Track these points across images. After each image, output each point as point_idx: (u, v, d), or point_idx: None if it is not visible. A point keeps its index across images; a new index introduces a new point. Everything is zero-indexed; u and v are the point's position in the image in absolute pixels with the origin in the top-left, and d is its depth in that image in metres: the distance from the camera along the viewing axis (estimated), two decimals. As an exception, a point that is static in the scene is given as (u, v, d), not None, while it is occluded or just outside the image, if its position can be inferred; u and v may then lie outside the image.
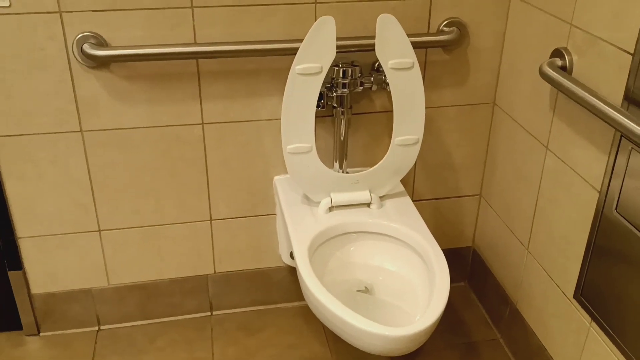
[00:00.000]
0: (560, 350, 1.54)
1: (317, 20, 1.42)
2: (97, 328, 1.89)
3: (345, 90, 1.59)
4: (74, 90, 1.55)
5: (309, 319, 1.91)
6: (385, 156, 1.60)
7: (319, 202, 1.63)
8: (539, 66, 1.40)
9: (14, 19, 1.44)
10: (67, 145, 1.61)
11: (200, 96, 1.62)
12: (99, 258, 1.79)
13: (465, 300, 2.02)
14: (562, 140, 1.45)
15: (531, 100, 1.58)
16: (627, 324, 1.25)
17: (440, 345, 1.84)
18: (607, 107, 1.18)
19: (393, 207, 1.65)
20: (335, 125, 1.66)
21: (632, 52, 1.18)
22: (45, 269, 1.77)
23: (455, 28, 1.63)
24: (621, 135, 1.21)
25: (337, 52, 1.46)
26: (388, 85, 1.53)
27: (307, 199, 1.66)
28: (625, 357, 1.27)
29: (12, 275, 1.75)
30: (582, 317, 1.42)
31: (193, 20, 1.52)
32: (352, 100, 1.65)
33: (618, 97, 1.22)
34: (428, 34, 1.64)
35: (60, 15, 1.46)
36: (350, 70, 1.57)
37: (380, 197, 1.66)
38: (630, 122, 1.11)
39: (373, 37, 1.46)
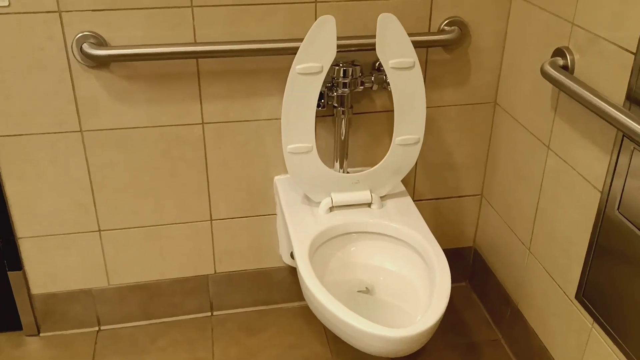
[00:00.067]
0: (562, 351, 1.53)
1: (317, 20, 1.41)
2: (97, 328, 1.88)
3: (346, 89, 1.58)
4: (74, 90, 1.54)
5: (310, 319, 1.91)
6: (386, 156, 1.59)
7: (319, 202, 1.62)
8: (541, 65, 1.39)
9: (13, 19, 1.44)
10: (67, 145, 1.61)
11: (200, 96, 1.61)
12: (99, 258, 1.78)
13: (466, 301, 2.02)
14: (564, 140, 1.45)
15: (532, 100, 1.57)
16: (629, 326, 1.24)
17: (441, 345, 1.84)
18: (609, 107, 1.17)
19: (394, 207, 1.64)
20: (335, 125, 1.66)
21: (634, 51, 1.17)
22: (45, 269, 1.77)
23: (456, 27, 1.63)
24: (623, 135, 1.21)
25: (337, 52, 1.45)
26: (389, 84, 1.52)
27: (307, 199, 1.66)
28: (628, 359, 1.26)
29: (12, 275, 1.75)
30: (584, 318, 1.41)
31: (193, 19, 1.52)
32: (352, 100, 1.65)
33: (620, 97, 1.21)
34: (429, 33, 1.63)
35: (60, 15, 1.46)
36: (350, 69, 1.57)
37: (381, 197, 1.65)
38: (632, 122, 1.10)
39: (374, 37, 1.45)
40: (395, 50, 1.47)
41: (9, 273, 1.75)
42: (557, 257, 1.52)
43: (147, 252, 1.80)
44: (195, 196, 1.74)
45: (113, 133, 1.61)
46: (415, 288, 1.50)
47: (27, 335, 1.85)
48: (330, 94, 1.60)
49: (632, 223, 1.20)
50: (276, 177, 1.76)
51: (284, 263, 1.88)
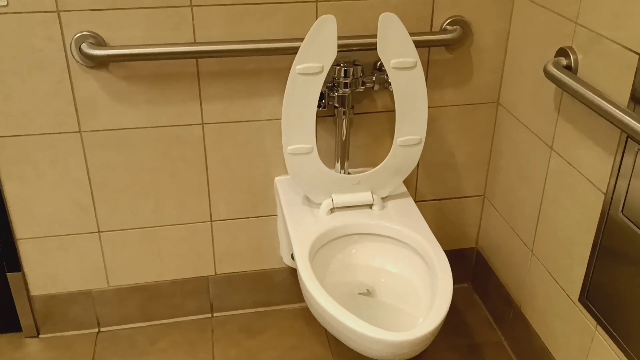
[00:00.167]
0: (565, 354, 1.52)
1: (318, 19, 1.40)
2: (97, 330, 1.88)
3: (347, 89, 1.57)
4: (73, 91, 1.53)
5: (311, 321, 1.90)
6: (387, 157, 1.58)
7: (320, 204, 1.61)
8: (544, 65, 1.37)
9: (12, 19, 1.43)
10: (66, 146, 1.60)
11: (200, 96, 1.60)
12: (98, 259, 1.77)
13: (468, 302, 2.01)
14: (567, 140, 1.43)
15: (535, 100, 1.56)
16: (633, 330, 1.23)
17: (443, 346, 1.83)
18: (613, 108, 1.16)
19: (395, 209, 1.63)
20: (336, 126, 1.64)
21: (638, 51, 1.16)
22: (45, 271, 1.76)
23: (458, 27, 1.61)
24: (627, 136, 1.19)
25: (338, 52, 1.44)
26: (390, 84, 1.51)
27: (308, 200, 1.64)
28: (631, 362, 1.25)
29: (12, 277, 1.74)
30: (587, 321, 1.40)
31: (193, 19, 1.51)
32: (353, 100, 1.63)
33: (624, 98, 1.20)
34: (431, 33, 1.62)
35: (58, 15, 1.45)
36: (351, 69, 1.56)
37: (382, 198, 1.64)
38: (636, 123, 1.09)
39: (375, 36, 1.44)
40: (397, 50, 1.45)
41: (8, 274, 1.74)
42: (560, 259, 1.51)
43: (146, 253, 1.79)
44: (195, 197, 1.73)
45: (112, 133, 1.60)
46: (416, 290, 1.48)
47: (26, 337, 1.84)
48: (331, 94, 1.59)
49: (636, 225, 1.19)
50: (277, 178, 1.75)
51: (285, 264, 1.87)
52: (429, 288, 1.43)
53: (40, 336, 1.85)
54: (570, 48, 1.37)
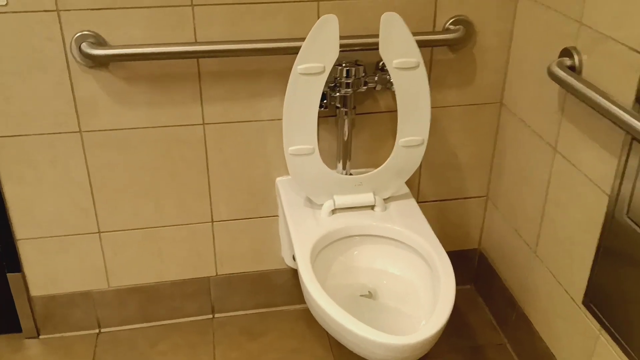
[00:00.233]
0: (568, 357, 1.50)
1: (319, 19, 1.39)
2: (97, 331, 1.87)
3: (349, 90, 1.56)
4: (73, 91, 1.52)
5: (312, 323, 1.88)
6: (390, 158, 1.56)
7: (321, 205, 1.60)
8: (548, 66, 1.36)
9: (11, 18, 1.42)
10: (66, 146, 1.59)
11: (200, 96, 1.59)
12: (99, 260, 1.76)
13: (471, 303, 1.99)
14: (571, 142, 1.42)
15: (539, 101, 1.54)
16: (637, 333, 1.21)
17: (445, 348, 1.81)
18: (618, 109, 1.14)
19: (397, 210, 1.61)
20: (338, 126, 1.63)
21: (644, 52, 1.14)
22: (45, 272, 1.75)
23: (461, 26, 1.60)
24: (632, 138, 1.18)
25: (340, 51, 1.43)
26: (392, 84, 1.49)
27: (309, 201, 1.63)
28: (636, 366, 1.24)
29: (12, 277, 1.74)
30: (591, 324, 1.39)
31: (193, 19, 1.50)
32: (355, 100, 1.62)
33: (629, 99, 1.18)
34: (433, 33, 1.61)
35: (58, 14, 1.44)
36: (353, 69, 1.54)
37: (385, 200, 1.63)
38: (642, 125, 1.08)
39: (377, 36, 1.42)
40: (399, 50, 1.44)
41: (8, 275, 1.73)
42: (563, 261, 1.49)
43: (147, 254, 1.78)
44: (196, 198, 1.72)
45: (113, 134, 1.59)
46: (419, 292, 1.47)
47: (26, 338, 1.84)
48: (333, 94, 1.57)
49: (641, 228, 1.17)
50: (278, 179, 1.74)
51: (286, 265, 1.86)
52: (431, 291, 1.42)
53: (40, 337, 1.84)
54: (575, 48, 1.35)
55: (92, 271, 1.77)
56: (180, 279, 1.84)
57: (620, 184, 1.23)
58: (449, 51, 1.65)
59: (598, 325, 1.36)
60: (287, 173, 1.70)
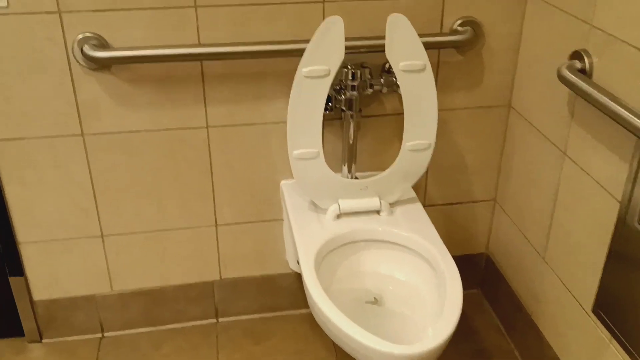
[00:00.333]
0: (577, 365, 1.48)
1: (324, 21, 1.36)
2: (100, 335, 1.85)
3: (355, 92, 1.53)
4: (75, 93, 1.51)
5: (316, 326, 1.86)
6: (396, 161, 1.54)
7: (326, 209, 1.57)
8: (557, 69, 1.33)
9: (13, 20, 1.40)
10: (68, 149, 1.57)
11: (204, 99, 1.57)
12: (101, 263, 1.75)
13: (477, 308, 1.97)
14: (581, 146, 1.39)
15: (548, 104, 1.52)
16: (649, 344, 1.19)
17: (451, 352, 1.79)
18: (629, 114, 1.12)
19: (403, 214, 1.59)
20: (343, 129, 1.61)
21: (656, 55, 1.12)
22: (47, 275, 1.74)
23: (469, 28, 1.57)
24: (644, 143, 1.15)
25: (345, 54, 1.40)
26: (399, 87, 1.47)
27: (314, 204, 1.61)
28: (647, 376, 1.21)
29: (14, 281, 1.72)
30: (601, 333, 1.36)
31: (197, 20, 1.48)
32: (361, 103, 1.59)
33: (641, 103, 1.16)
34: (441, 34, 1.58)
35: (60, 16, 1.42)
36: (359, 72, 1.52)
37: (390, 204, 1.60)
38: (654, 131, 1.05)
39: (383, 38, 1.40)
40: (406, 52, 1.41)
41: (10, 279, 1.72)
42: (573, 267, 1.47)
43: (150, 258, 1.76)
44: (199, 201, 1.71)
45: (115, 136, 1.58)
46: (425, 299, 1.45)
47: (29, 342, 1.82)
48: (338, 97, 1.55)
49: (653, 236, 1.15)
50: (282, 182, 1.72)
51: (290, 269, 1.84)
52: (438, 297, 1.39)
53: (43, 341, 1.83)
54: (585, 51, 1.32)
55: (95, 275, 1.76)
56: (184, 282, 1.82)
57: (632, 189, 1.20)
58: (457, 53, 1.62)
59: (608, 334, 1.33)
60: (292, 176, 1.67)
